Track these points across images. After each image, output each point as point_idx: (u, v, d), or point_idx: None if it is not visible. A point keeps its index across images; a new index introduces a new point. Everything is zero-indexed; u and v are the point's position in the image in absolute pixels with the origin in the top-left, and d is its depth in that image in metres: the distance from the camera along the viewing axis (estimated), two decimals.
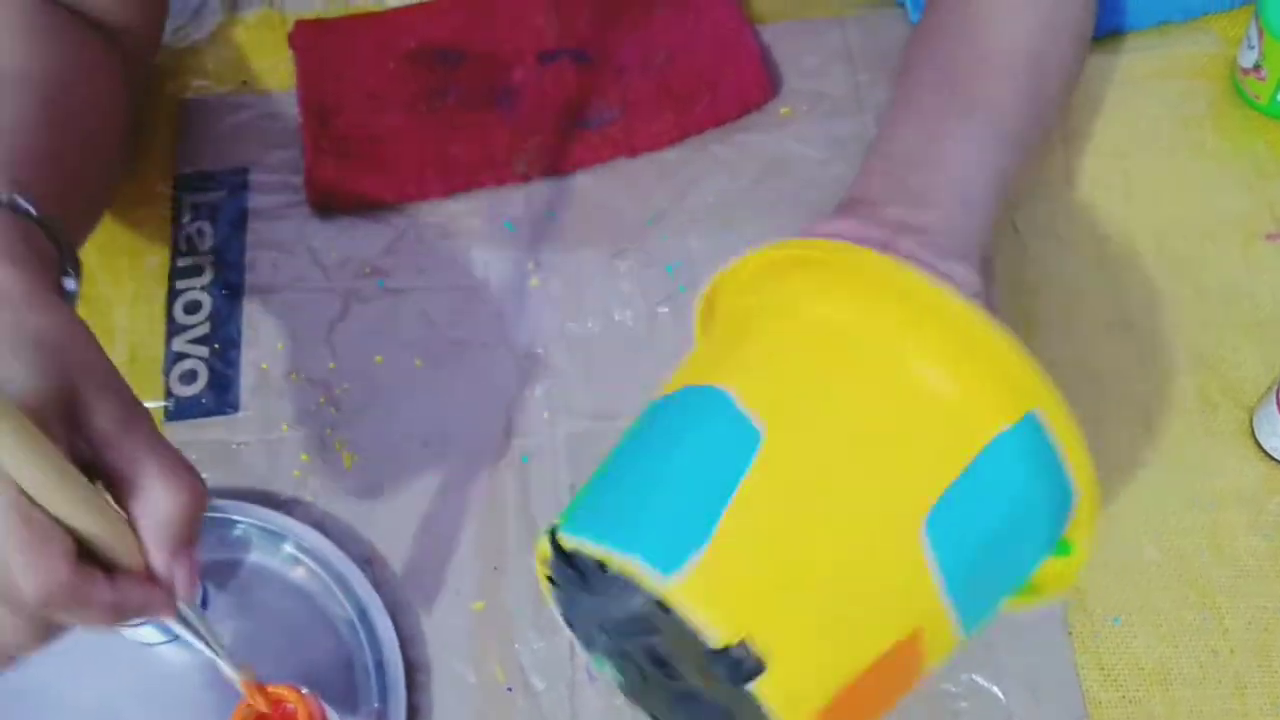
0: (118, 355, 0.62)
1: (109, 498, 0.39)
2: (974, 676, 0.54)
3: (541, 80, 0.68)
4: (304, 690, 0.51)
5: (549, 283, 0.63)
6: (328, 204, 0.65)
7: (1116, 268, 0.63)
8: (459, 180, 0.66)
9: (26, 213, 0.46)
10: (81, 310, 0.62)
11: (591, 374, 0.61)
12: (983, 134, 0.53)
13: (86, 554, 0.37)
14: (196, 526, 0.40)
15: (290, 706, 0.50)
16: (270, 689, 0.50)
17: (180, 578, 0.39)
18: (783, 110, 0.67)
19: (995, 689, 0.54)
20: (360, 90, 0.68)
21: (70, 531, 0.37)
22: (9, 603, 0.36)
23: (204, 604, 0.56)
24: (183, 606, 0.41)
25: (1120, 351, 0.61)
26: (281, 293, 0.64)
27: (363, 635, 0.55)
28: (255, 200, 0.66)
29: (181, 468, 0.39)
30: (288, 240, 0.65)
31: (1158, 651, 0.55)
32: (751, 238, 0.63)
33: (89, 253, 0.64)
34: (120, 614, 0.38)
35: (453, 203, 0.65)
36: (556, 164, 0.66)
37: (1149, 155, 0.67)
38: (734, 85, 0.67)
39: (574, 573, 0.43)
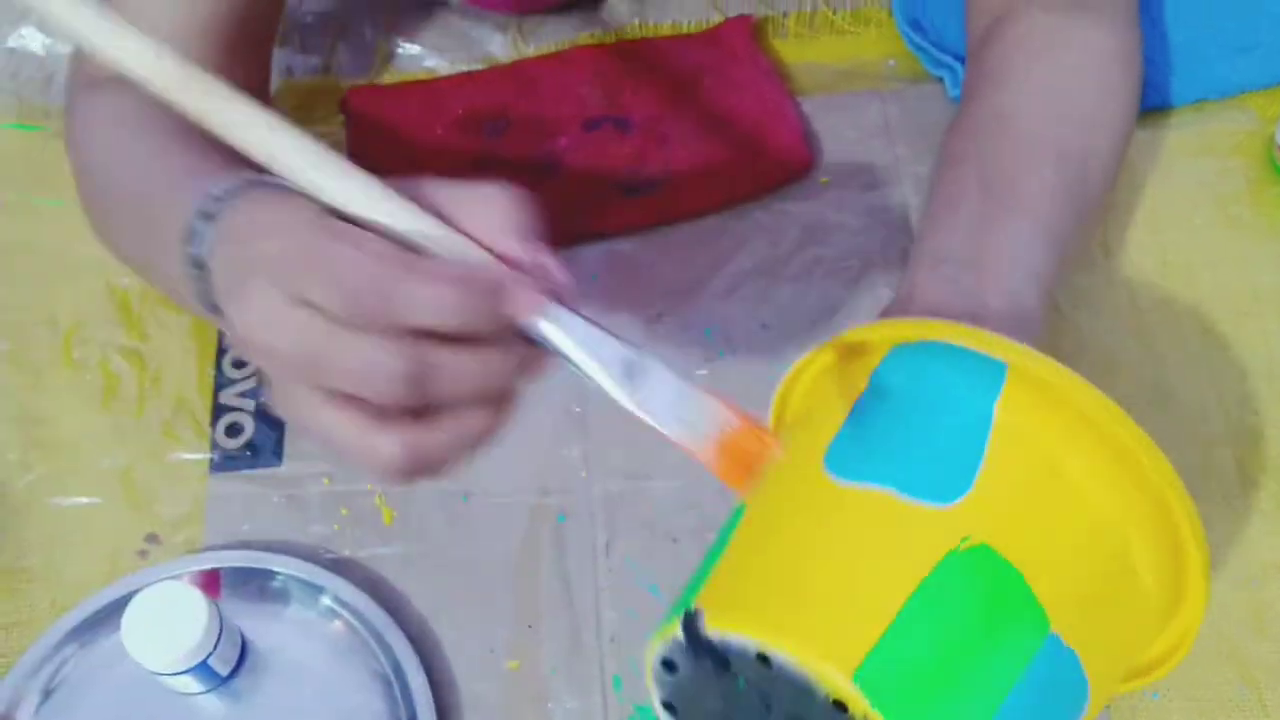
0: (165, 406, 0.63)
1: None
2: None
3: (586, 148, 0.70)
4: None
5: None
6: None
7: (1155, 340, 0.64)
8: None
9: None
10: (132, 363, 0.64)
11: (629, 434, 0.61)
12: (1026, 236, 0.52)
13: None
14: (529, 215, 0.37)
15: None
16: None
17: (548, 263, 0.36)
18: (822, 180, 0.69)
19: None
20: (408, 156, 0.70)
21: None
22: (359, 314, 0.34)
23: (241, 654, 0.57)
24: (564, 314, 0.36)
25: (1159, 425, 0.60)
26: None
27: (397, 690, 0.55)
28: None
29: (487, 184, 0.37)
30: None
31: None
32: (790, 304, 0.64)
33: (140, 305, 0.66)
34: (490, 296, 0.35)
35: None
36: (600, 229, 0.67)
37: (1187, 230, 0.67)
38: (775, 155, 0.68)
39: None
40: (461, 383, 0.36)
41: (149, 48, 0.37)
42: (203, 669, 0.54)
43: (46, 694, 0.56)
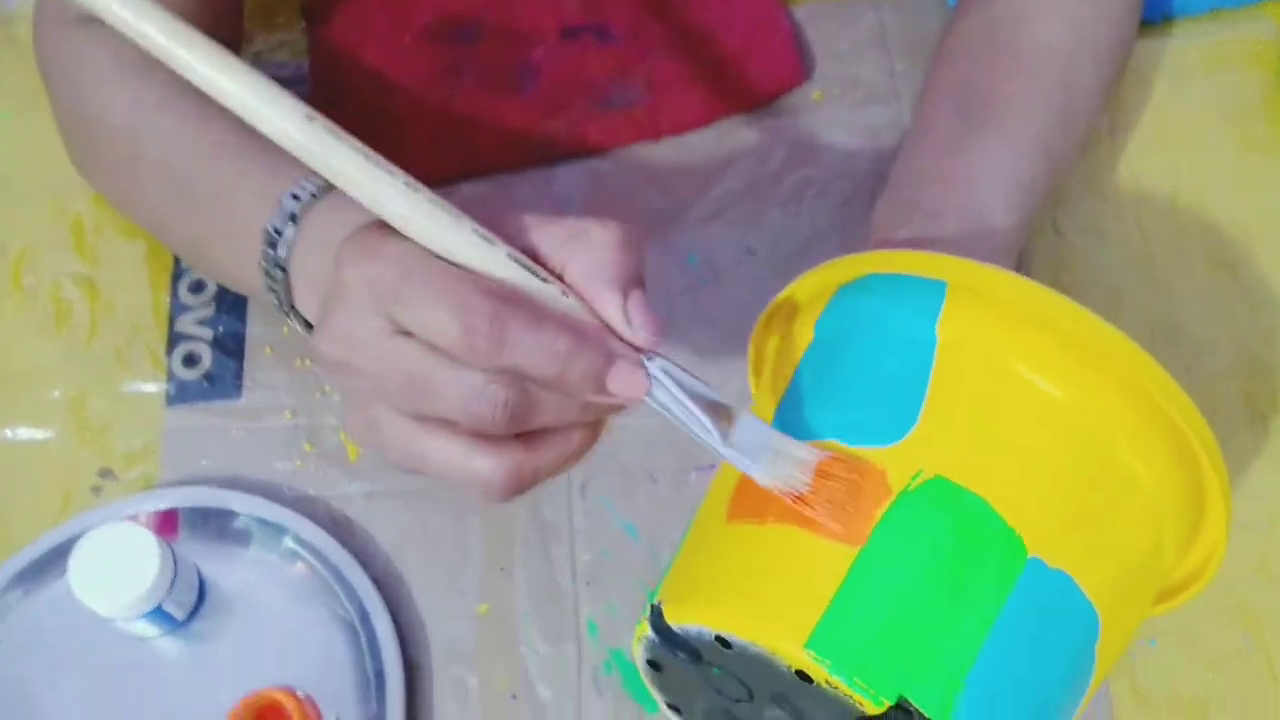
0: (118, 334, 0.60)
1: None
2: None
3: (563, 58, 0.65)
4: (299, 693, 0.49)
5: None
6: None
7: (1162, 268, 0.60)
8: (474, 163, 0.63)
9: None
10: (83, 290, 0.61)
11: None
12: (1002, 145, 0.50)
13: None
14: (638, 260, 0.36)
15: (286, 710, 0.48)
16: (264, 693, 0.48)
17: (638, 315, 0.35)
18: (815, 95, 0.64)
19: None
20: (373, 67, 0.66)
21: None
22: (471, 350, 0.33)
23: (200, 596, 0.54)
24: (661, 366, 0.35)
25: (1165, 357, 0.57)
26: None
27: (362, 635, 0.53)
28: None
29: (591, 221, 0.36)
30: None
31: (1199, 679, 0.52)
32: (779, 228, 0.61)
33: (92, 230, 0.62)
34: (580, 348, 0.34)
35: (467, 186, 0.63)
36: (576, 147, 0.63)
37: (1198, 149, 0.63)
38: (765, 67, 0.64)
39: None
40: (564, 417, 0.35)
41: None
42: (157, 614, 0.52)
43: None
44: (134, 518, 0.55)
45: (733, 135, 0.63)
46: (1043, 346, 0.39)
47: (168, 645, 0.54)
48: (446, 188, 0.62)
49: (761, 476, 0.36)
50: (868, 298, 0.42)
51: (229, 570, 0.55)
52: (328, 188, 0.45)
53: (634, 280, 0.35)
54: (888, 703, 0.35)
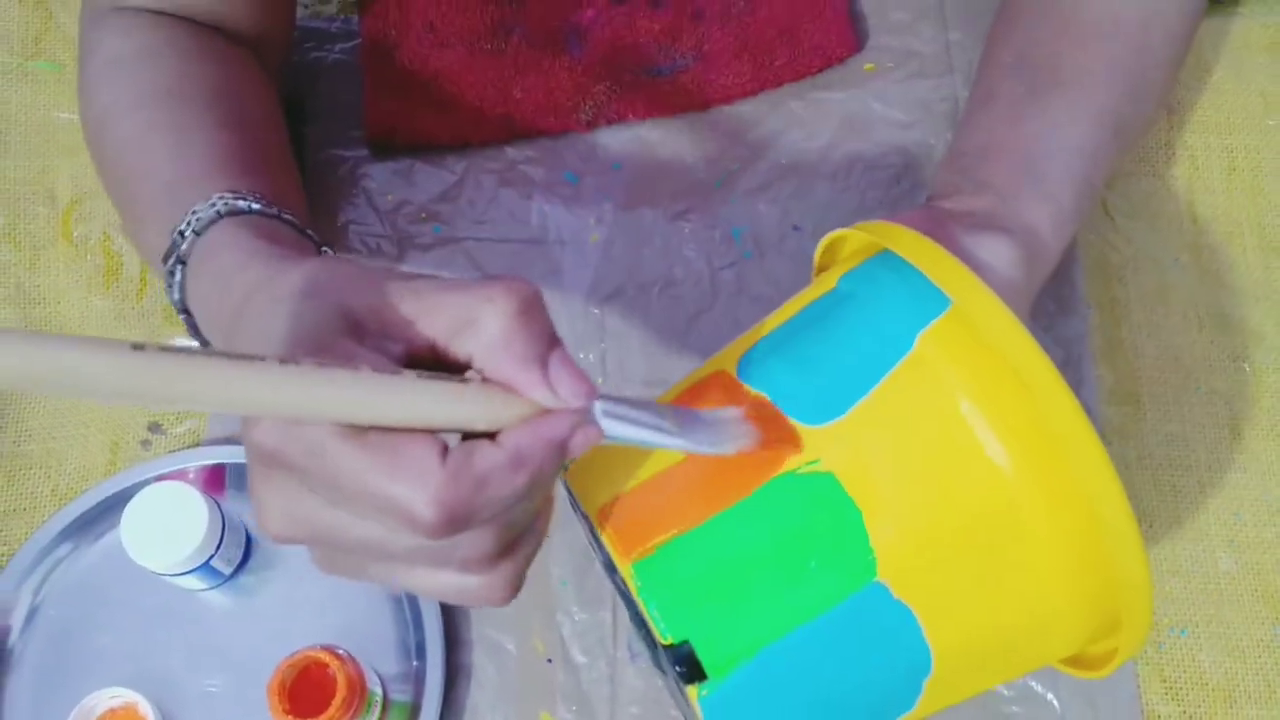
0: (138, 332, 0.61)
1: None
2: (1029, 681, 0.52)
3: (613, 22, 0.65)
4: (341, 651, 0.50)
5: (609, 240, 0.61)
6: (385, 143, 0.63)
7: (1212, 255, 0.60)
8: (520, 125, 0.63)
9: (248, 210, 0.44)
10: (108, 272, 0.62)
11: (648, 338, 0.59)
12: (1066, 113, 0.48)
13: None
14: (543, 322, 0.31)
15: (329, 669, 0.49)
16: (306, 653, 0.49)
17: (565, 381, 0.31)
18: (866, 67, 0.64)
19: (1050, 696, 0.52)
20: (423, 22, 0.65)
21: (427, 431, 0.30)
22: (415, 527, 0.29)
23: (245, 556, 0.55)
24: (602, 409, 0.32)
25: (1210, 347, 0.58)
26: (338, 237, 0.62)
27: (404, 596, 0.54)
28: (311, 134, 0.64)
29: (485, 284, 0.31)
30: (343, 181, 0.63)
31: (1224, 667, 0.52)
32: (825, 204, 0.61)
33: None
34: (532, 463, 0.30)
35: (512, 149, 0.63)
36: (624, 113, 0.63)
37: (1256, 134, 0.62)
38: (816, 37, 0.63)
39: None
40: (534, 513, 0.34)
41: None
42: (205, 569, 0.53)
43: (48, 583, 0.55)
44: (182, 473, 0.56)
45: (781, 107, 0.63)
46: (1006, 409, 0.37)
47: (214, 598, 0.55)
48: (492, 149, 0.63)
49: (722, 451, 0.37)
50: (887, 274, 0.41)
51: None
52: (212, 219, 0.43)
53: (546, 345, 0.31)
54: (673, 639, 0.37)
